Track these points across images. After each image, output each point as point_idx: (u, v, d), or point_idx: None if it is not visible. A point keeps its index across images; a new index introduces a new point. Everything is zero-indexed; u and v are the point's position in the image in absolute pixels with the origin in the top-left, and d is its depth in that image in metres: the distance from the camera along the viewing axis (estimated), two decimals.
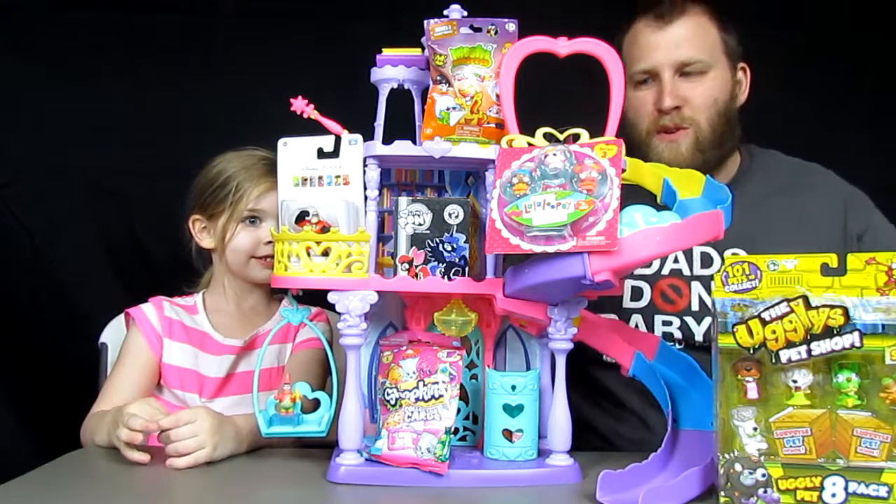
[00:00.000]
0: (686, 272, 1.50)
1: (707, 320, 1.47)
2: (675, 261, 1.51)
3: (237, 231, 1.48)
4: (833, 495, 0.99)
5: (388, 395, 1.16)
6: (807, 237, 1.45)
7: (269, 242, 1.46)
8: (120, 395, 1.40)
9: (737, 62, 1.55)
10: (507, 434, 1.18)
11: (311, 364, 1.47)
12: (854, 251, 1.04)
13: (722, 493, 1.01)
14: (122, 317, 1.52)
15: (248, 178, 1.48)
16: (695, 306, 1.48)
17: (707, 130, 1.49)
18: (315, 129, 1.18)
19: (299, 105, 1.18)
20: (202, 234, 1.53)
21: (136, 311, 1.48)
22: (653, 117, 1.51)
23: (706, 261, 1.49)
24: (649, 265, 1.51)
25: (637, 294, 1.50)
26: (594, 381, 1.52)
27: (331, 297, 1.14)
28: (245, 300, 1.53)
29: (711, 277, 1.41)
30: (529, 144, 1.12)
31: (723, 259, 1.39)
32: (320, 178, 1.17)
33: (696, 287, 1.49)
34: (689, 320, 1.47)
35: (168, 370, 1.44)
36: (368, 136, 1.19)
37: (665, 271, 1.51)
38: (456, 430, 1.25)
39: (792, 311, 1.00)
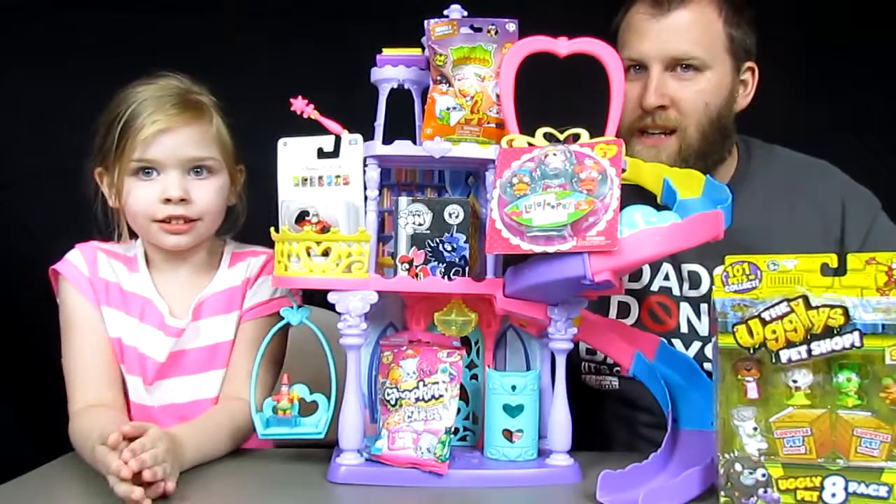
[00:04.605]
0: (676, 292, 1.43)
1: (695, 345, 1.41)
2: (666, 278, 1.43)
3: (128, 188, 1.17)
4: (833, 495, 0.99)
5: (388, 395, 1.16)
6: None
7: (169, 200, 1.17)
8: (93, 387, 1.21)
9: (743, 61, 1.40)
10: (508, 434, 1.18)
11: (264, 335, 1.19)
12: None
13: (722, 493, 1.01)
14: None
15: (141, 113, 1.14)
16: (683, 328, 1.42)
17: (695, 137, 1.36)
18: (315, 129, 1.18)
19: (299, 105, 1.18)
20: (110, 191, 1.21)
21: (65, 266, 1.20)
22: (635, 114, 1.36)
23: (695, 281, 1.41)
24: (638, 279, 1.43)
25: (624, 311, 1.44)
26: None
27: (331, 297, 1.14)
28: (182, 262, 1.27)
29: (701, 299, 1.41)
30: (529, 144, 1.12)
31: (712, 279, 1.28)
32: (320, 178, 1.17)
33: (685, 308, 1.42)
34: (677, 342, 1.41)
35: None
36: (368, 136, 1.19)
37: (654, 287, 1.43)
38: (456, 430, 1.25)
39: (792, 310, 1.00)
